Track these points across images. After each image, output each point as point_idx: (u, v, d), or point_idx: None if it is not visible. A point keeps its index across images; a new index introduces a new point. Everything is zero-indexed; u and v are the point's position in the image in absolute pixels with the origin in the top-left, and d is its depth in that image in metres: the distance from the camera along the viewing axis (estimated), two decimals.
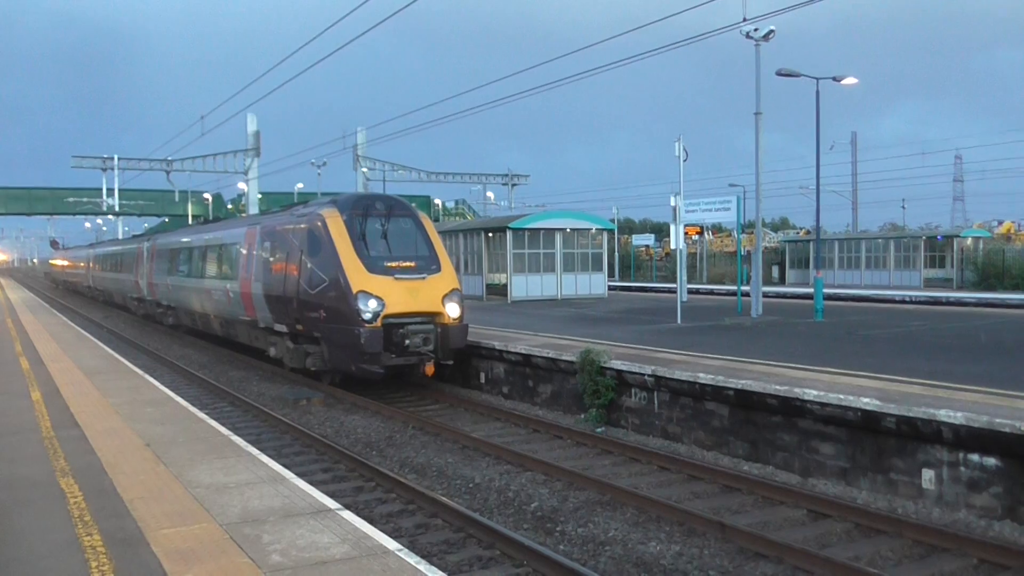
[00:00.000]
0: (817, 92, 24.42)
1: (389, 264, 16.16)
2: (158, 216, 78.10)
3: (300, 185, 70.36)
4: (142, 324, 35.01)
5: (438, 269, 16.68)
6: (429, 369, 16.02)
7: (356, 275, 15.75)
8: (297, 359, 17.93)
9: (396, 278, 15.97)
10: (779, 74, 24.45)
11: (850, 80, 26.05)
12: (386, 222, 16.95)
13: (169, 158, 46.78)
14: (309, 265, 16.76)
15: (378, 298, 15.57)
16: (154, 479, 8.06)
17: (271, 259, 18.87)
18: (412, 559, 5.94)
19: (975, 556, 7.88)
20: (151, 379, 15.23)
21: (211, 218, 56.80)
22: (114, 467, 8.53)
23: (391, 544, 6.27)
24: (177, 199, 60.71)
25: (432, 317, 16.11)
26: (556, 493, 10.21)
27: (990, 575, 7.60)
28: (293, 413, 15.44)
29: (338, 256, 16.03)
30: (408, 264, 16.34)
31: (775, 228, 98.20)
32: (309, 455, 12.33)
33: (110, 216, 78.81)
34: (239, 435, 10.75)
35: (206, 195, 69.95)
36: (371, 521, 8.19)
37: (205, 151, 47.19)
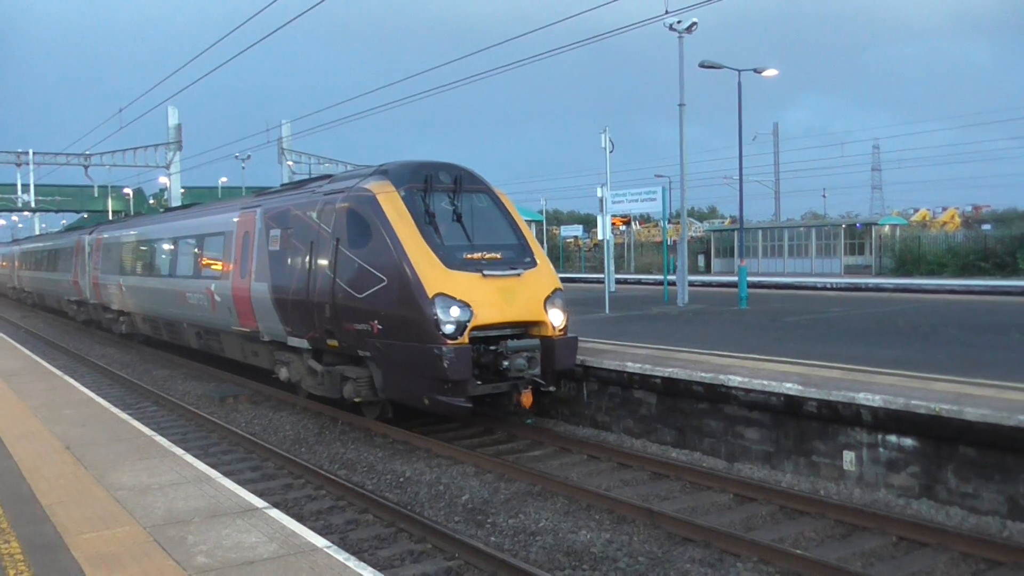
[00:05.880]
0: (739, 84, 24.92)
1: (470, 256, 12.05)
2: (76, 212, 75.94)
3: (224, 179, 69.22)
4: (62, 324, 33.89)
5: (533, 263, 12.60)
6: (526, 398, 11.75)
7: (430, 272, 11.51)
8: (328, 385, 13.51)
9: (484, 275, 11.82)
10: (702, 66, 24.91)
11: (771, 72, 26.70)
12: (456, 199, 12.73)
13: (87, 152, 45.54)
14: (351, 258, 12.45)
15: (463, 304, 11.40)
16: (74, 483, 7.86)
17: (284, 251, 14.42)
18: (341, 556, 5.90)
19: (894, 534, 8.11)
20: (71, 380, 14.83)
21: (140, 210, 55.37)
22: (33, 471, 8.29)
23: (320, 541, 6.22)
24: (96, 194, 59.07)
25: (529, 328, 12.24)
26: (487, 485, 10.22)
27: (909, 552, 7.83)
28: (220, 411, 15.16)
29: (401, 246, 11.72)
30: (494, 256, 12.28)
31: (703, 217, 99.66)
32: (236, 454, 12.14)
33: (26, 213, 76.40)
34: (163, 435, 10.56)
35: (127, 190, 68.26)
36: (300, 519, 8.12)
37: (124, 145, 46.11)
